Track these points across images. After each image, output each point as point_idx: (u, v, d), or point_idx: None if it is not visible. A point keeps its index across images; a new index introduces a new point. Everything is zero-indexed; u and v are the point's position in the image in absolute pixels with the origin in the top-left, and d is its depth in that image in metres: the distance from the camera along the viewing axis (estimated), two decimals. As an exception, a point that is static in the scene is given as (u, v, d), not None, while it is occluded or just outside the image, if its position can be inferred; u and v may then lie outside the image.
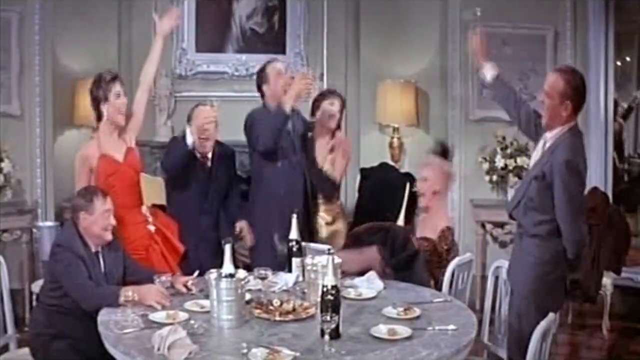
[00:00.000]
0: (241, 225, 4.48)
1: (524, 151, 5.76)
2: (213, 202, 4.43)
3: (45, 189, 5.80)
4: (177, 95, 6.44)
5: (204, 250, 4.26)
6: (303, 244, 3.73)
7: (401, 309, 3.12)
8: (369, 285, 3.49)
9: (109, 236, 3.44)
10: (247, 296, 3.17)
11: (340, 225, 4.71)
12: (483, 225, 6.04)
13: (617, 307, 5.42)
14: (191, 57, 6.54)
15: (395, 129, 6.34)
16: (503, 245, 6.06)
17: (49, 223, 5.25)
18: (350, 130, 6.18)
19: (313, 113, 4.65)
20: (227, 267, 2.99)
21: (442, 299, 3.38)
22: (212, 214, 4.43)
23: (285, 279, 3.52)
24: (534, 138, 3.59)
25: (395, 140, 6.34)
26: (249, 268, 3.89)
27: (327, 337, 2.70)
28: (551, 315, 2.81)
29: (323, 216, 4.65)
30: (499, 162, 5.91)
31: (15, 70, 5.68)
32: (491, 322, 3.67)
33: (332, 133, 4.66)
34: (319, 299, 2.81)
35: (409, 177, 5.63)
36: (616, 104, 6.48)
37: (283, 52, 6.45)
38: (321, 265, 3.16)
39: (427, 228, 3.99)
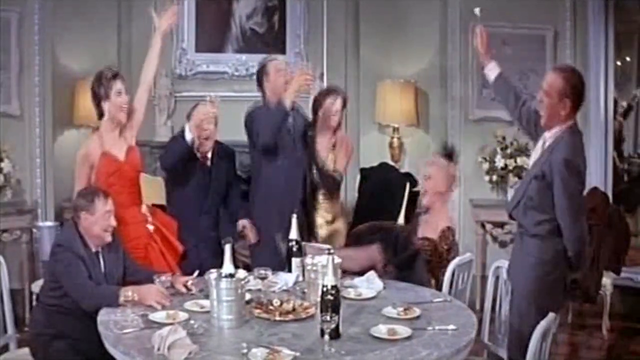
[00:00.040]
0: (243, 222, 4.48)
1: (523, 151, 5.76)
2: (213, 202, 4.42)
3: (45, 189, 5.79)
4: (177, 95, 6.44)
5: (204, 250, 4.26)
6: (303, 243, 3.72)
7: (401, 309, 3.12)
8: (369, 285, 3.49)
9: (108, 237, 3.44)
10: (247, 296, 3.17)
11: (341, 224, 4.69)
12: (483, 225, 6.05)
13: (617, 307, 5.42)
14: (191, 57, 6.54)
15: (395, 129, 6.33)
16: (503, 245, 6.06)
17: (49, 223, 5.24)
18: (350, 130, 6.17)
19: (315, 111, 4.63)
20: (227, 267, 2.99)
21: (442, 299, 3.38)
22: (212, 214, 4.42)
23: (285, 279, 3.52)
24: (535, 137, 3.59)
25: (395, 140, 6.34)
26: (249, 268, 3.90)
27: (327, 337, 2.70)
28: (551, 315, 2.80)
29: (323, 214, 4.63)
30: (499, 162, 5.91)
31: (15, 70, 5.68)
32: (491, 322, 3.67)
33: (334, 131, 4.65)
34: (318, 299, 2.81)
35: (409, 177, 5.64)
36: (616, 103, 6.48)
37: (283, 52, 6.43)
38: (321, 265, 3.16)
39: (428, 228, 3.98)
